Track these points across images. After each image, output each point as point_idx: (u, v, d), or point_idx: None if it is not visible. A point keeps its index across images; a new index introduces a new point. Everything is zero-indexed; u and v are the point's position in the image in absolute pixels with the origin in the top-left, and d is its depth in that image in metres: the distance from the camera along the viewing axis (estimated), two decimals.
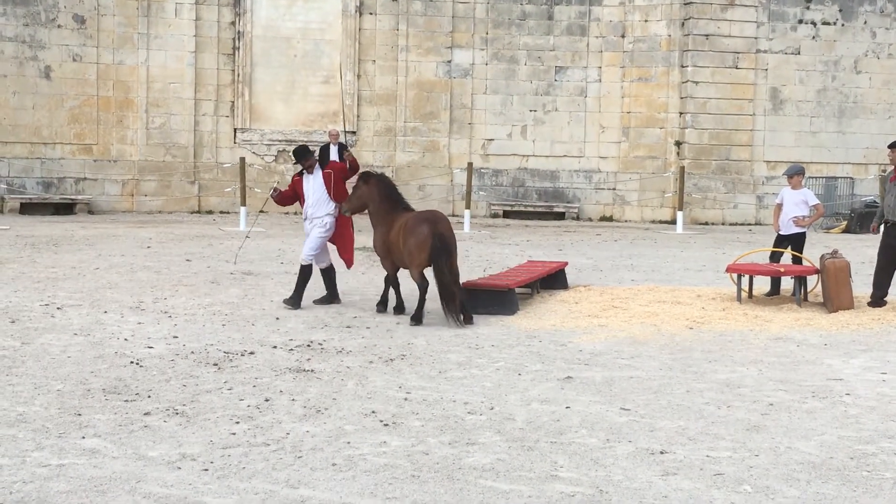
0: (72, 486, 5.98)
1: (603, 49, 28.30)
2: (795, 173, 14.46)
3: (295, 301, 12.67)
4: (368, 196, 12.50)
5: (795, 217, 14.20)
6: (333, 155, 22.86)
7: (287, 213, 27.15)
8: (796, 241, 14.35)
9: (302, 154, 12.97)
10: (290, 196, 13.20)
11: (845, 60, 28.16)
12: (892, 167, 13.60)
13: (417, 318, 11.65)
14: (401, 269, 12.44)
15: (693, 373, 9.45)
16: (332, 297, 13.10)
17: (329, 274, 13.15)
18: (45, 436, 6.99)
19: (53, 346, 9.95)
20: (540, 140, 28.37)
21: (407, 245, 11.79)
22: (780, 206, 14.42)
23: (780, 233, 14.41)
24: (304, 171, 12.99)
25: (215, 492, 5.95)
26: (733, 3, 27.55)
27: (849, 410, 8.15)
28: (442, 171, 27.96)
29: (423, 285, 11.83)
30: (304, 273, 12.87)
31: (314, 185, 12.92)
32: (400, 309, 12.36)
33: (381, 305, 12.51)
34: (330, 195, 12.90)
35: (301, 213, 13.44)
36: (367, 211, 12.68)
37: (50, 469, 6.28)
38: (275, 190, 13.36)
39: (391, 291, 12.56)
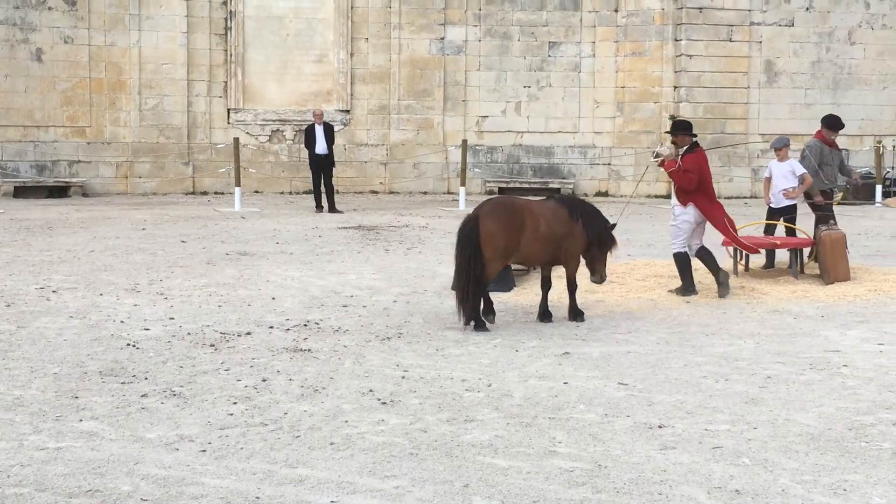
0: (70, 469, 5.97)
1: (596, 24, 28.18)
2: (783, 146, 14.45)
3: (687, 288, 12.16)
4: None
5: (785, 189, 14.19)
6: (320, 135, 22.73)
7: (282, 193, 27.12)
8: (788, 213, 14.35)
9: (679, 127, 12.34)
10: None
11: (839, 32, 28.06)
12: None
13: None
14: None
15: (690, 347, 9.45)
16: (716, 274, 12.24)
17: (703, 257, 12.24)
18: (42, 419, 6.98)
19: (49, 330, 9.93)
20: (534, 116, 28.29)
21: None
22: (769, 180, 14.44)
23: (771, 205, 14.42)
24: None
25: (213, 472, 5.95)
26: None
27: (846, 382, 8.15)
28: (436, 149, 27.90)
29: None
30: (679, 260, 12.27)
31: None
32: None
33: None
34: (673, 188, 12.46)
35: None
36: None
37: (47, 452, 6.27)
38: (657, 155, 12.33)
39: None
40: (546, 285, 10.86)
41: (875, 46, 28.23)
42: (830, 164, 14.54)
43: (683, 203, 12.20)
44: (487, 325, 10.21)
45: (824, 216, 13.96)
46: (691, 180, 12.03)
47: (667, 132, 12.68)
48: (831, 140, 14.60)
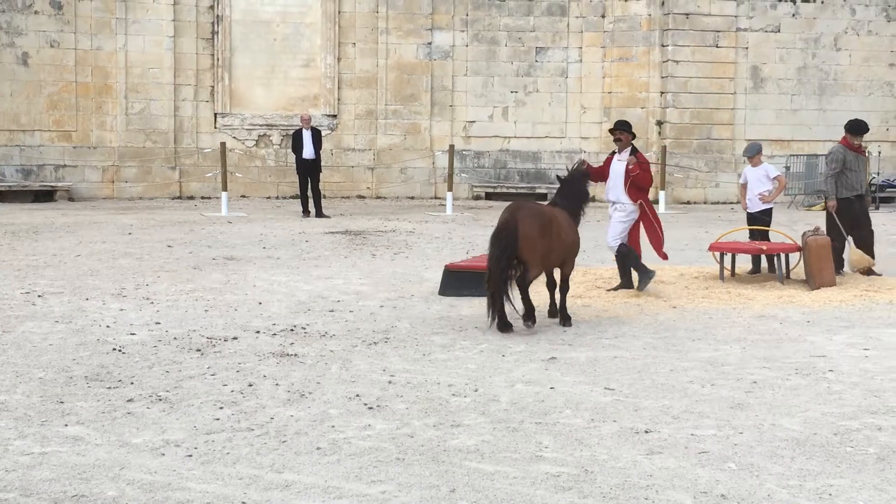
0: (55, 474, 5.94)
1: (583, 29, 28.25)
2: (755, 153, 14.51)
3: (645, 273, 12.42)
4: None
5: (760, 194, 14.30)
6: (307, 140, 22.68)
7: (269, 198, 27.11)
8: (764, 217, 14.43)
9: (625, 127, 12.51)
10: (598, 173, 12.58)
11: (825, 38, 28.19)
12: None
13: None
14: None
15: (677, 351, 9.46)
16: (625, 283, 12.80)
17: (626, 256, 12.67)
18: (27, 424, 6.95)
19: (35, 334, 9.89)
20: (521, 121, 28.33)
21: None
22: (744, 186, 14.56)
23: (749, 211, 14.52)
24: (616, 150, 12.62)
25: (199, 477, 5.93)
26: None
27: (832, 387, 8.17)
28: (423, 154, 27.91)
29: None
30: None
31: (616, 167, 12.51)
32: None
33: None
34: (625, 187, 12.44)
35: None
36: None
37: (33, 457, 6.24)
38: (582, 162, 12.33)
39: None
40: (553, 286, 11.11)
41: (861, 53, 28.35)
42: (855, 170, 14.05)
43: (635, 200, 12.51)
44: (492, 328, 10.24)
45: (839, 227, 13.80)
46: (651, 179, 12.63)
47: (611, 130, 12.84)
48: (856, 145, 14.09)
